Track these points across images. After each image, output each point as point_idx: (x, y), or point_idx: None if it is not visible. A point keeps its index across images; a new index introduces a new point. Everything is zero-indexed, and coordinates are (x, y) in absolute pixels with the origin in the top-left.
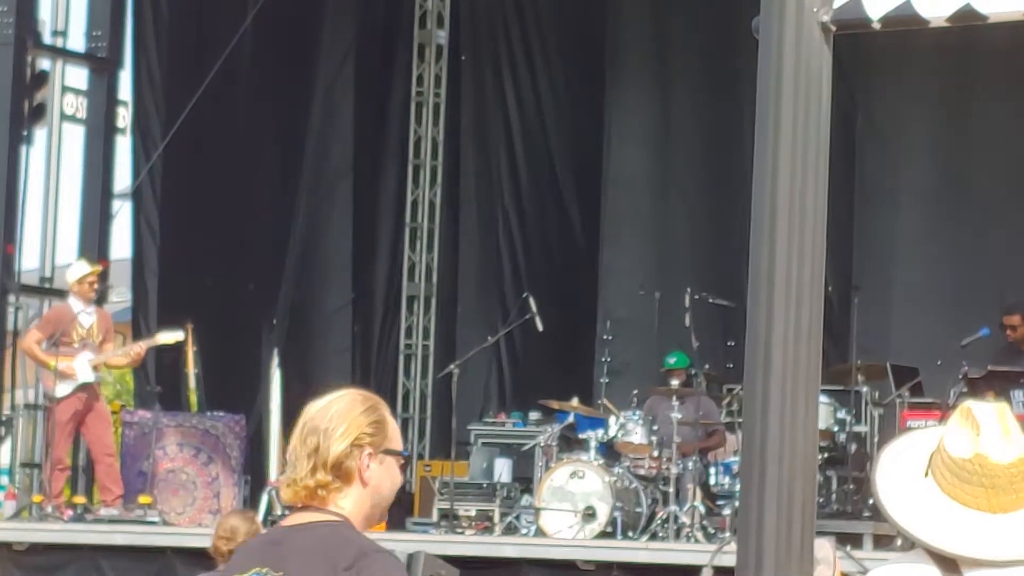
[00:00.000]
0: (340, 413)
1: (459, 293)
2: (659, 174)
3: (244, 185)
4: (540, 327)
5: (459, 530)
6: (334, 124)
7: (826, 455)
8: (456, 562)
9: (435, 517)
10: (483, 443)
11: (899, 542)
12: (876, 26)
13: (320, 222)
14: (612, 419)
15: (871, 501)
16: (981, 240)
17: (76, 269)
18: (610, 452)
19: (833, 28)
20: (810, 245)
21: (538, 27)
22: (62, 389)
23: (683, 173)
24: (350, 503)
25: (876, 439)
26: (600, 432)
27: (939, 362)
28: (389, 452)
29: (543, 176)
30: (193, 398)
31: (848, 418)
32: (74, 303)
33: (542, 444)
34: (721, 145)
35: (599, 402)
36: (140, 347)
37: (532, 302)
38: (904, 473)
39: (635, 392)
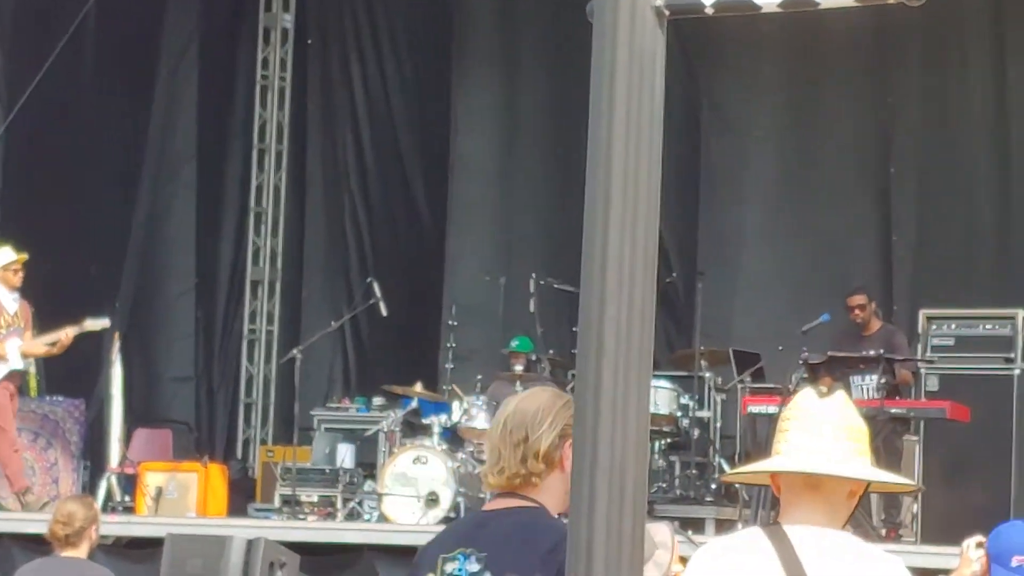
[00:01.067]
0: (545, 408)
1: (304, 278)
2: (505, 159)
3: (87, 167)
4: (384, 312)
5: (301, 516)
6: (178, 107)
7: (669, 440)
8: (298, 548)
9: (277, 503)
10: (326, 428)
11: (740, 527)
12: (709, 11)
13: (163, 205)
14: (456, 404)
15: (713, 486)
16: (823, 227)
17: (1, 256)
18: (454, 438)
19: (667, 13)
20: (643, 230)
21: (384, 11)
22: None
23: (529, 159)
24: (552, 488)
25: (719, 424)
26: (444, 417)
27: (780, 348)
28: None
29: (389, 161)
30: (33, 383)
31: (691, 404)
32: None
33: (385, 430)
34: (566, 131)
35: (444, 387)
36: (68, 333)
37: (376, 287)
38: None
39: (479, 378)
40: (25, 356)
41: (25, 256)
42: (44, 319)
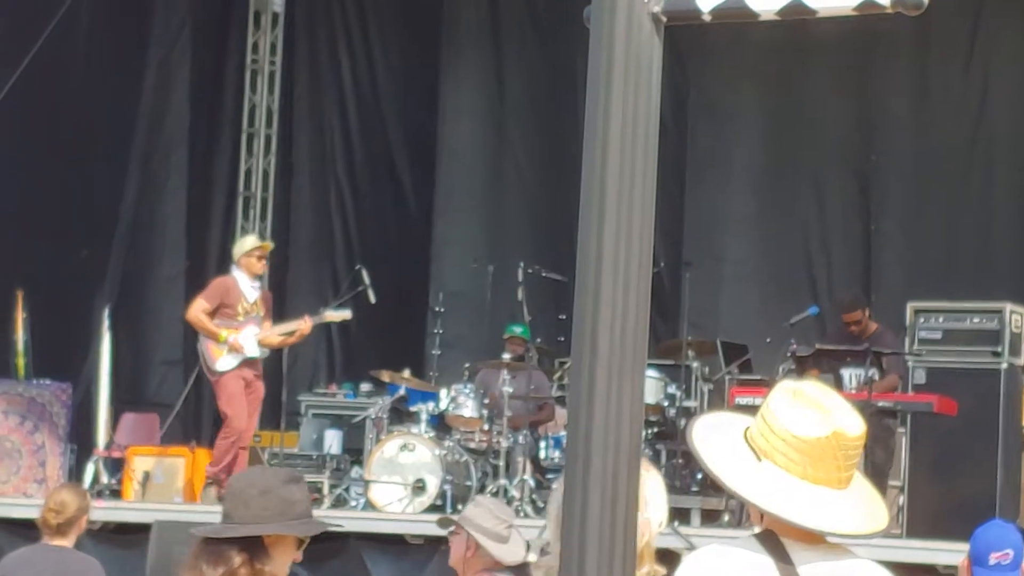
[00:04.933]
0: None
1: (291, 263)
2: (493, 146)
3: (78, 150)
4: (373, 299)
5: None
6: (169, 91)
7: (656, 429)
8: None
9: None
10: (313, 414)
11: (726, 517)
12: (707, 18)
13: (154, 189)
14: (443, 392)
15: (699, 476)
16: (809, 218)
17: (245, 242)
18: (441, 425)
19: (664, 19)
20: (638, 236)
21: None
22: (225, 363)
23: (517, 145)
24: None
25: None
26: (431, 405)
27: (768, 339)
28: None
29: (377, 146)
30: (21, 364)
31: (678, 393)
32: (239, 276)
33: (373, 416)
34: (555, 118)
35: (430, 374)
36: (306, 324)
37: (365, 275)
38: (735, 458)
39: (466, 365)
40: (262, 345)
41: (270, 244)
42: (34, 301)
